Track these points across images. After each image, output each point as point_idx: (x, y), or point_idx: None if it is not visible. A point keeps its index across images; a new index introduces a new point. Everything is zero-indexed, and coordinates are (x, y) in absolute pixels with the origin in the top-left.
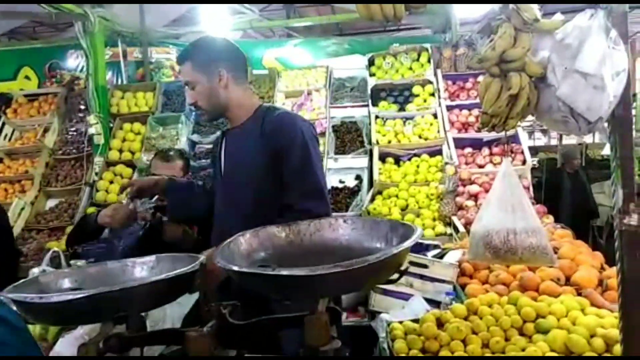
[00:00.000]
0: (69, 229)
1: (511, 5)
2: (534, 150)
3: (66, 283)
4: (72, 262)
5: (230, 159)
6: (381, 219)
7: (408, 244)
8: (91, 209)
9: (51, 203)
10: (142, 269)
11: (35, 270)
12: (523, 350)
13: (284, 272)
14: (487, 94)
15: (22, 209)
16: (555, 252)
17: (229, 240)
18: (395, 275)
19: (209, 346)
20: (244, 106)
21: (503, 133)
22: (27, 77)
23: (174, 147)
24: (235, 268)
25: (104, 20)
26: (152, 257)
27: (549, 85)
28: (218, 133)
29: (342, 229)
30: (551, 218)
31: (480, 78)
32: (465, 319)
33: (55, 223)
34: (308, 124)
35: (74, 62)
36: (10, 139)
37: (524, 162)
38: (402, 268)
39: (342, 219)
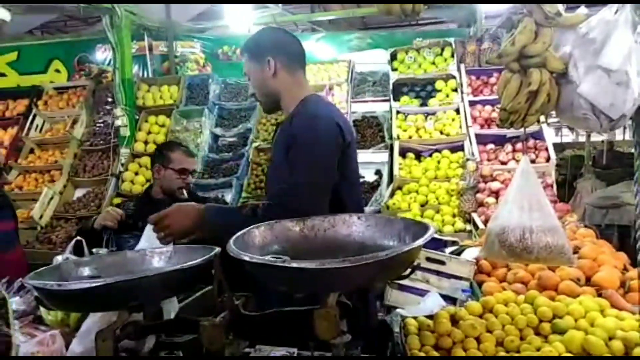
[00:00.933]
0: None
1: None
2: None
3: (86, 271)
4: (94, 250)
5: (273, 153)
6: (395, 218)
7: (420, 242)
8: (117, 200)
9: (79, 193)
10: (160, 259)
11: (58, 258)
12: (538, 350)
13: (294, 264)
14: (506, 90)
15: (51, 198)
16: (576, 252)
17: (242, 231)
18: (407, 271)
19: (222, 336)
20: (293, 96)
21: (523, 130)
22: (57, 70)
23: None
24: (247, 257)
25: (131, 15)
26: (170, 247)
27: (570, 81)
28: (240, 127)
29: (356, 225)
30: (574, 216)
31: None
32: (481, 316)
33: (82, 212)
34: (329, 119)
35: (102, 55)
36: (41, 130)
37: (547, 160)
38: (414, 265)
39: (356, 216)
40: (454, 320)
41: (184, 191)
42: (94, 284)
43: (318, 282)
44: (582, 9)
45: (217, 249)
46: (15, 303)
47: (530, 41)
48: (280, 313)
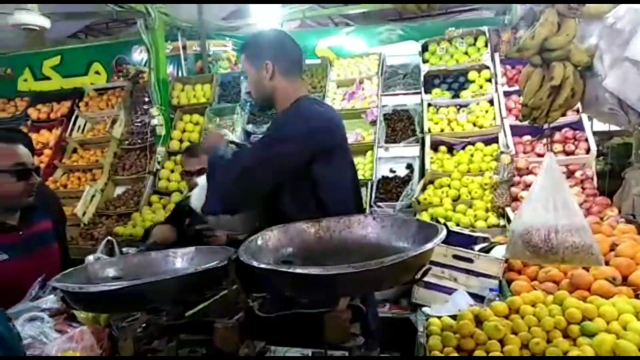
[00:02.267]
0: (134, 215)
1: None
2: (609, 135)
3: (111, 272)
4: (124, 249)
5: None
6: (410, 219)
7: (429, 245)
8: (154, 197)
9: (119, 190)
10: (182, 260)
11: (90, 258)
12: (565, 353)
13: (299, 270)
14: (528, 85)
15: (93, 196)
16: (613, 249)
17: (255, 235)
18: (418, 275)
19: (235, 337)
20: (287, 98)
21: (546, 125)
22: (97, 72)
23: (201, 142)
24: (255, 264)
25: (164, 16)
26: (192, 249)
27: (596, 74)
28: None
29: (371, 227)
30: (615, 211)
31: None
32: (507, 317)
33: (122, 209)
34: (312, 124)
35: (138, 56)
36: (83, 131)
37: (587, 151)
38: (424, 270)
39: (372, 216)
40: (479, 321)
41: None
42: (112, 287)
43: (323, 287)
44: None
45: (233, 251)
46: (49, 301)
47: (552, 33)
48: (294, 315)
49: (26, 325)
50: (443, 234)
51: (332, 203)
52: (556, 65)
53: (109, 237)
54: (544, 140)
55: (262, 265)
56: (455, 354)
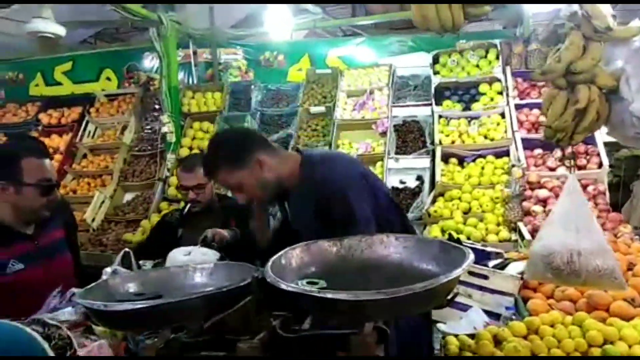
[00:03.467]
0: (143, 222)
1: (580, 12)
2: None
3: (131, 287)
4: (141, 262)
5: (295, 222)
6: (433, 239)
7: (459, 271)
8: (163, 204)
9: (128, 197)
10: (201, 274)
11: (107, 270)
12: None
13: (329, 295)
14: (552, 108)
15: (103, 202)
16: (630, 269)
17: (279, 254)
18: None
19: (258, 357)
20: (291, 173)
21: (570, 148)
22: (108, 79)
23: (196, 153)
24: (283, 286)
25: (176, 24)
26: (211, 264)
27: (622, 98)
28: (281, 132)
29: (393, 246)
30: (629, 227)
31: None
32: (525, 337)
33: (131, 216)
34: (346, 170)
35: (149, 63)
36: (93, 136)
37: (599, 166)
38: (451, 296)
39: (393, 236)
40: (497, 341)
41: (196, 205)
42: (137, 306)
43: (352, 312)
44: (636, 22)
45: (257, 268)
46: (67, 313)
47: (578, 57)
48: (317, 336)
49: None
50: (471, 258)
51: None
52: (581, 88)
53: (126, 249)
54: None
55: (291, 288)
56: None
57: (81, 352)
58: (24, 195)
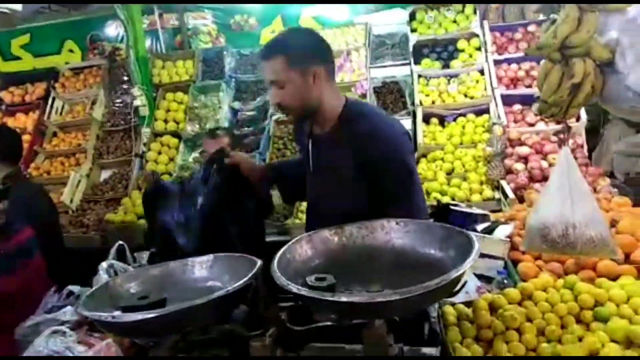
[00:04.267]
0: (124, 200)
1: None
2: None
3: (132, 288)
4: (136, 254)
5: (321, 168)
6: (435, 224)
7: (468, 263)
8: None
9: (105, 174)
10: (201, 268)
11: (104, 265)
12: (580, 339)
13: (344, 299)
14: (547, 82)
15: (79, 181)
16: (613, 226)
17: (283, 249)
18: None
19: (271, 353)
20: (333, 108)
21: (564, 122)
22: (70, 50)
23: (221, 126)
24: (295, 290)
25: None
26: (210, 257)
27: (617, 72)
28: (259, 100)
29: (394, 232)
30: (607, 180)
31: (531, 27)
32: (519, 304)
33: (110, 194)
34: (403, 134)
35: (113, 31)
36: (61, 113)
37: (577, 119)
38: (460, 286)
39: (394, 221)
40: (493, 308)
41: None
42: (147, 316)
43: (367, 312)
44: None
45: (260, 263)
46: (68, 313)
47: (573, 30)
48: (326, 328)
49: (49, 341)
50: (477, 248)
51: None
52: (576, 62)
53: (120, 242)
54: (562, 135)
55: (304, 293)
56: (476, 346)
57: (90, 353)
58: None
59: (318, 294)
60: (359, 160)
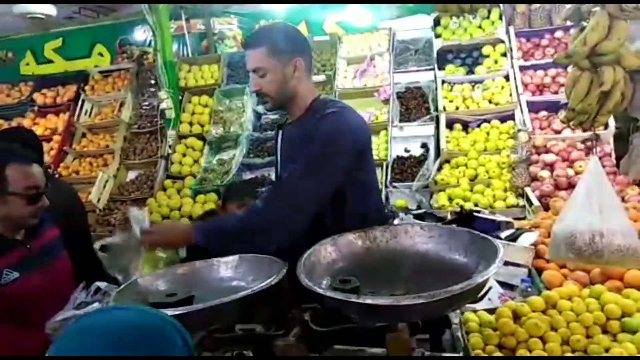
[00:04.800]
0: (150, 200)
1: None
2: None
3: (160, 285)
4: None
5: (285, 156)
6: (459, 229)
7: (493, 269)
8: (168, 182)
9: (131, 175)
10: (226, 268)
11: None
12: (607, 350)
13: (369, 301)
14: (575, 90)
15: (106, 181)
16: None
17: (309, 251)
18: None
19: (295, 353)
20: (305, 99)
21: (591, 130)
22: (100, 54)
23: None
24: (320, 291)
25: None
26: (236, 257)
27: None
28: None
29: (419, 236)
30: (636, 189)
31: (558, 33)
32: (544, 312)
33: (136, 194)
34: (355, 133)
35: (142, 36)
36: (90, 115)
37: (605, 127)
38: (484, 292)
39: (419, 226)
40: (516, 316)
41: None
42: (175, 312)
43: (391, 315)
44: None
45: (286, 266)
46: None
47: (603, 38)
48: (350, 330)
49: None
50: (501, 253)
51: (371, 209)
52: (606, 69)
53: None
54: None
55: (330, 294)
56: (497, 352)
57: None
58: (10, 205)
59: (343, 296)
60: (307, 138)
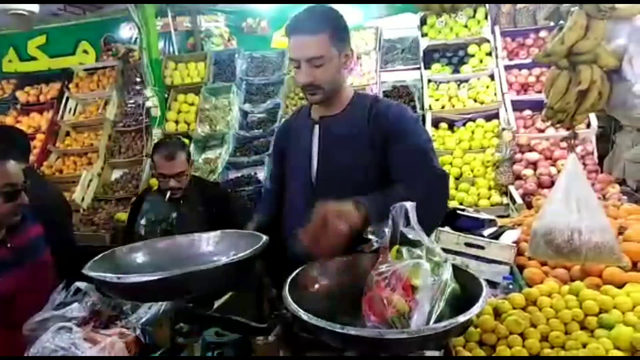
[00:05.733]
0: (135, 199)
1: None
2: None
3: (139, 257)
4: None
5: (327, 150)
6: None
7: (476, 309)
8: (153, 180)
9: (116, 174)
10: (207, 244)
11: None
12: (584, 346)
13: (352, 332)
14: (554, 89)
15: (91, 180)
16: (621, 233)
17: (297, 271)
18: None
19: (274, 353)
20: (349, 92)
21: (571, 129)
22: (85, 52)
23: (171, 139)
24: (305, 317)
25: None
26: (218, 233)
27: (624, 79)
28: (268, 102)
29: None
30: (617, 187)
31: (542, 33)
32: (524, 309)
33: (121, 193)
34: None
35: (127, 33)
36: (74, 113)
37: (588, 125)
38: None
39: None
40: (497, 313)
41: (176, 192)
42: (151, 277)
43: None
44: None
45: (266, 238)
46: (75, 310)
47: (581, 37)
48: None
49: (56, 337)
50: (485, 292)
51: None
52: (583, 68)
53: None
54: (569, 141)
55: (314, 321)
56: (479, 350)
57: (95, 350)
58: None
59: (328, 326)
60: (376, 137)
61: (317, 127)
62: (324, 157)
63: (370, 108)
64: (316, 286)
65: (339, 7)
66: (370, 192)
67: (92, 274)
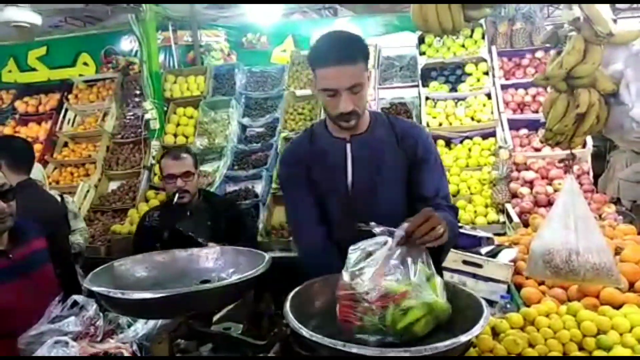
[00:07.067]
0: (131, 211)
1: (582, 17)
2: None
3: (139, 272)
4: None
5: (364, 164)
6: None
7: (477, 330)
8: (150, 192)
9: (113, 185)
10: (206, 259)
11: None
12: None
13: (354, 350)
14: (553, 111)
15: (88, 191)
16: (618, 253)
17: (298, 288)
18: None
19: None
20: (366, 110)
21: (569, 151)
22: (85, 64)
23: (182, 146)
24: (305, 334)
25: (154, 6)
26: (217, 249)
27: (622, 103)
28: (267, 117)
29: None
30: (612, 207)
31: (538, 54)
32: (522, 329)
33: (118, 205)
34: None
35: (128, 46)
36: (73, 124)
37: (584, 145)
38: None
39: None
40: (495, 333)
41: (184, 195)
42: (156, 295)
43: None
44: (637, 24)
45: (269, 257)
46: (71, 324)
47: (579, 62)
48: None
49: (52, 351)
50: (487, 313)
51: None
52: (582, 92)
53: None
54: (567, 162)
55: (315, 338)
56: None
57: None
58: None
59: (329, 343)
60: (405, 159)
61: (349, 145)
62: (358, 172)
63: (392, 126)
64: (317, 303)
65: (342, 27)
66: (397, 204)
67: (95, 288)
